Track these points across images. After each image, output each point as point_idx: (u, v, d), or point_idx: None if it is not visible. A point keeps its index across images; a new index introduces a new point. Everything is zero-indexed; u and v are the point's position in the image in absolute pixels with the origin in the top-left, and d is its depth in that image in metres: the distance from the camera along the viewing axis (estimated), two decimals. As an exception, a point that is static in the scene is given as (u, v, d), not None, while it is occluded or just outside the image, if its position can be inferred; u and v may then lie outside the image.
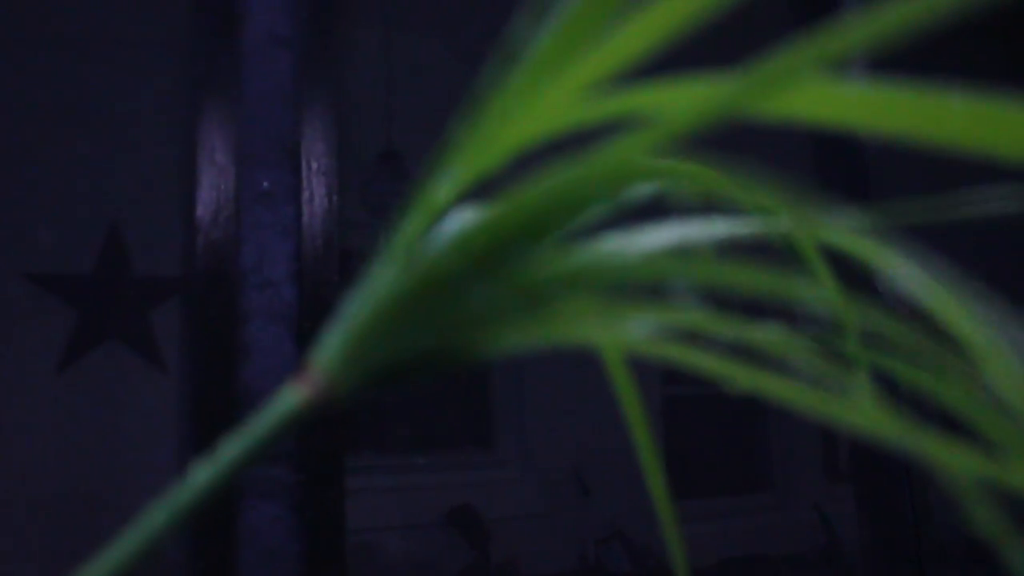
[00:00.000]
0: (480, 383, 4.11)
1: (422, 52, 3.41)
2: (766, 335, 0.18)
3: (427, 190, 0.21)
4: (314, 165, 1.48)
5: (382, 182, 3.41)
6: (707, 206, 0.18)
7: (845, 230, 0.13)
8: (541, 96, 0.19)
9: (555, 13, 0.23)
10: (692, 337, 0.21)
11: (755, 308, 0.21)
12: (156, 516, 0.22)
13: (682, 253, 0.18)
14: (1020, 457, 0.25)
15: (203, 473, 0.22)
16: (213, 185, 1.43)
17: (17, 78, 3.11)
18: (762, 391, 0.20)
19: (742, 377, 0.20)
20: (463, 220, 0.19)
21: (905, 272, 0.13)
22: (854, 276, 0.25)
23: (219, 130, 1.47)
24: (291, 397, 0.20)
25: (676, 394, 4.14)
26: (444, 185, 0.20)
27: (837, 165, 2.19)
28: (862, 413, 0.18)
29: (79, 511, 3.01)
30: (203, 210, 1.42)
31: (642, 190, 0.18)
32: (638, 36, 0.18)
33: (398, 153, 3.47)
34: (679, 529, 0.34)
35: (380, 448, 3.82)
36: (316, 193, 1.48)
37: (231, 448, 0.21)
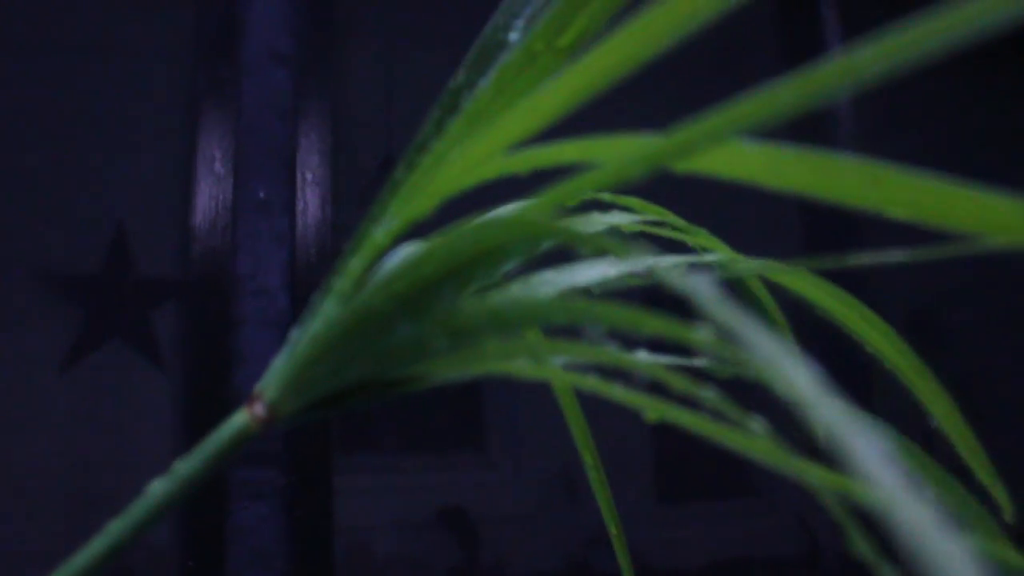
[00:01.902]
0: (472, 386, 4.12)
1: (422, 64, 3.43)
2: (670, 374, 0.19)
3: (367, 231, 0.22)
4: (309, 176, 1.50)
5: (380, 189, 3.42)
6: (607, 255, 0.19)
7: (687, 282, 0.14)
8: (470, 149, 0.20)
9: (494, 64, 0.25)
10: (608, 371, 0.22)
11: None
12: (115, 528, 0.23)
13: (588, 297, 0.19)
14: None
15: (159, 487, 0.23)
16: (211, 194, 1.45)
17: (25, 83, 3.13)
18: (669, 420, 0.21)
19: (651, 407, 0.21)
20: (391, 261, 0.20)
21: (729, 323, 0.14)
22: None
23: (218, 141, 1.48)
24: (238, 420, 0.21)
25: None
26: (382, 226, 0.21)
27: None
28: (754, 442, 0.19)
29: (79, 510, 3.01)
30: (200, 218, 1.43)
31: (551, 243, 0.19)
32: (555, 96, 0.20)
33: (397, 161, 3.48)
34: (623, 534, 0.35)
35: (371, 448, 3.83)
36: (310, 204, 1.50)
37: (185, 465, 0.23)
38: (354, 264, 0.21)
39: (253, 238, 1.46)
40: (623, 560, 0.37)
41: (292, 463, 1.37)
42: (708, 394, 0.19)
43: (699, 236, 0.32)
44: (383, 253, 0.22)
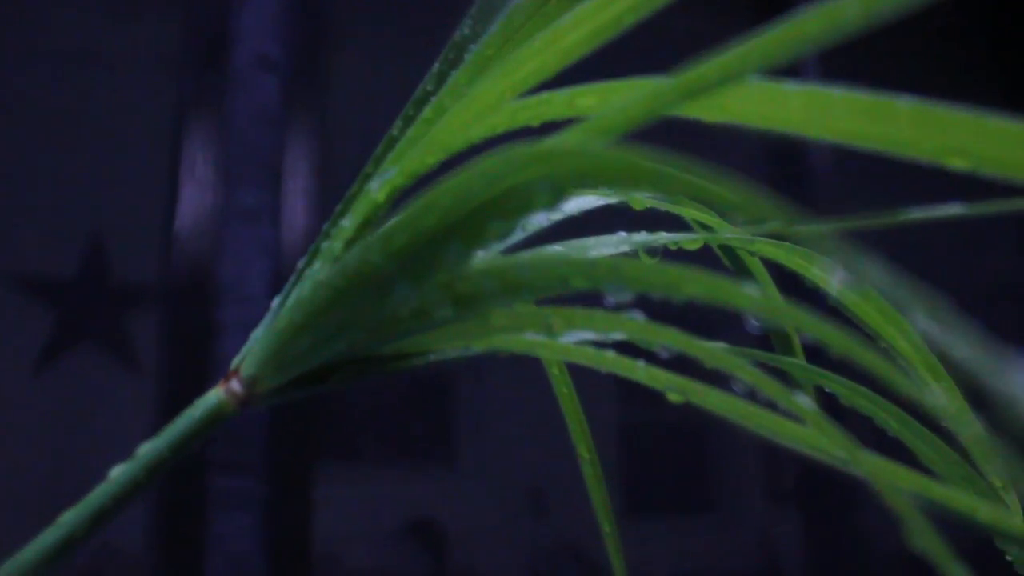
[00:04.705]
0: (443, 399, 4.08)
1: (412, 75, 3.40)
2: (705, 348, 0.17)
3: (360, 188, 0.19)
4: (295, 185, 1.46)
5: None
6: (647, 212, 0.17)
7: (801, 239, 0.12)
8: (477, 96, 0.18)
9: (499, 16, 0.22)
10: (630, 348, 0.19)
11: (698, 323, 0.19)
12: (74, 515, 0.20)
13: (620, 261, 0.17)
14: (952, 479, 0.24)
15: (120, 471, 0.20)
16: (195, 200, 1.41)
17: (11, 89, 3.08)
18: (698, 403, 0.18)
19: (678, 388, 0.18)
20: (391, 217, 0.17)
21: (846, 282, 0.11)
22: (792, 284, 0.23)
23: (203, 147, 1.45)
24: (211, 398, 0.19)
25: (630, 419, 4.12)
26: (380, 184, 0.19)
27: (785, 173, 2.17)
28: (800, 431, 0.17)
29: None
30: (183, 223, 1.40)
31: (584, 197, 0.17)
32: (577, 32, 0.17)
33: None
34: (619, 540, 0.32)
35: (343, 458, 3.78)
36: (297, 213, 1.46)
37: (150, 447, 0.20)
38: (345, 224, 0.19)
39: (238, 246, 1.43)
40: (615, 559, 0.34)
41: (271, 474, 1.33)
42: (748, 372, 0.16)
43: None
44: (380, 212, 0.19)
